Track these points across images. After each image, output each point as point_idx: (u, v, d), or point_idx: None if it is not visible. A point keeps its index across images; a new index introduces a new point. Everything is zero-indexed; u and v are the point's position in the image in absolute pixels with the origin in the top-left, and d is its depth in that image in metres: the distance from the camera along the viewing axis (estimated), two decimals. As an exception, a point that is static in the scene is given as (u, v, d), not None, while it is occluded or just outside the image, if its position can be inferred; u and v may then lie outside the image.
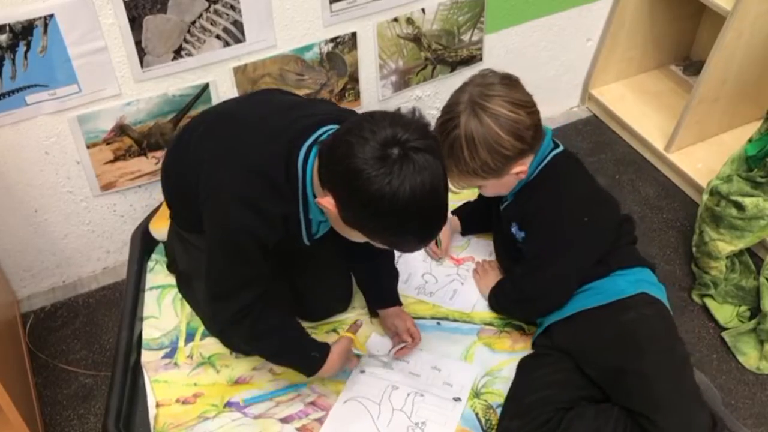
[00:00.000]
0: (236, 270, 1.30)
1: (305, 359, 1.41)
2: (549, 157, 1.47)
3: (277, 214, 1.26)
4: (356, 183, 1.10)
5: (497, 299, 1.60)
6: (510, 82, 1.39)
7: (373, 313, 1.62)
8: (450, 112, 1.38)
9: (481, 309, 1.63)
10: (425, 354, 1.55)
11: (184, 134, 1.47)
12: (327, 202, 1.18)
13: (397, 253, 1.72)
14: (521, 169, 1.41)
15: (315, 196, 1.25)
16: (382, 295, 1.59)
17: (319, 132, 1.26)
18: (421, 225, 1.17)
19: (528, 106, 1.38)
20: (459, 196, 1.79)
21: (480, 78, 1.40)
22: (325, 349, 1.43)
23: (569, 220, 1.45)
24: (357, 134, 1.12)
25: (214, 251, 1.31)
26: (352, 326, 1.55)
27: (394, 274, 1.60)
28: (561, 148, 1.50)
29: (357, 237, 1.24)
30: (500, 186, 1.46)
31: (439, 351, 1.55)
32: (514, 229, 1.53)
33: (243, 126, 1.34)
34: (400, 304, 1.58)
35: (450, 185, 1.44)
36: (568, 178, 1.49)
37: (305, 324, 1.55)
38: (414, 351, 1.55)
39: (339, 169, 1.14)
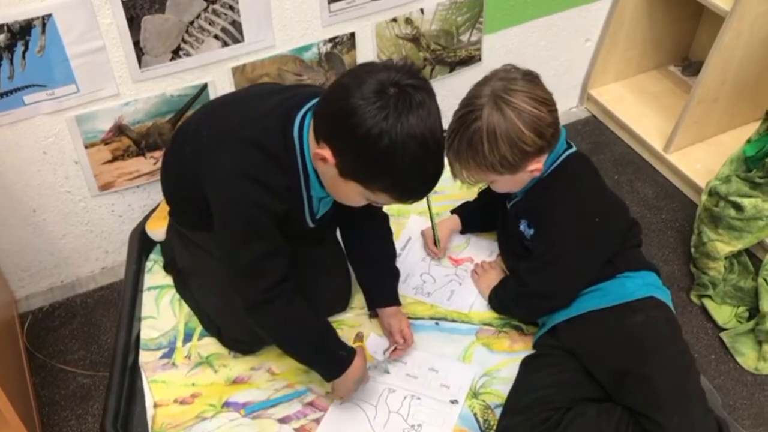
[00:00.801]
0: (253, 246, 1.27)
1: (332, 357, 1.37)
2: (563, 157, 1.47)
3: (280, 185, 1.25)
4: (353, 120, 1.09)
5: (499, 296, 1.60)
6: (532, 78, 1.39)
7: (373, 312, 1.61)
8: (471, 104, 1.37)
9: (479, 310, 1.63)
10: (423, 355, 1.55)
11: (181, 131, 1.47)
12: (325, 152, 1.17)
13: (398, 251, 1.72)
14: (537, 166, 1.40)
15: (314, 167, 1.25)
16: (382, 293, 1.58)
17: (313, 101, 1.25)
18: (420, 164, 1.15)
19: (549, 103, 1.38)
20: (459, 195, 1.79)
21: (503, 72, 1.40)
22: (352, 351, 1.39)
23: (580, 220, 1.45)
24: (353, 76, 1.13)
25: (228, 231, 1.29)
26: (357, 337, 1.54)
27: (395, 274, 1.60)
28: (574, 148, 1.50)
29: (355, 196, 1.22)
30: (513, 182, 1.46)
31: (437, 352, 1.55)
32: (522, 227, 1.52)
33: (236, 107, 1.35)
34: (398, 304, 1.58)
35: (462, 178, 1.45)
36: (581, 178, 1.49)
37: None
38: (411, 352, 1.55)
39: (336, 112, 1.14)
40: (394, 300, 1.58)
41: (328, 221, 1.47)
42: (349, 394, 1.43)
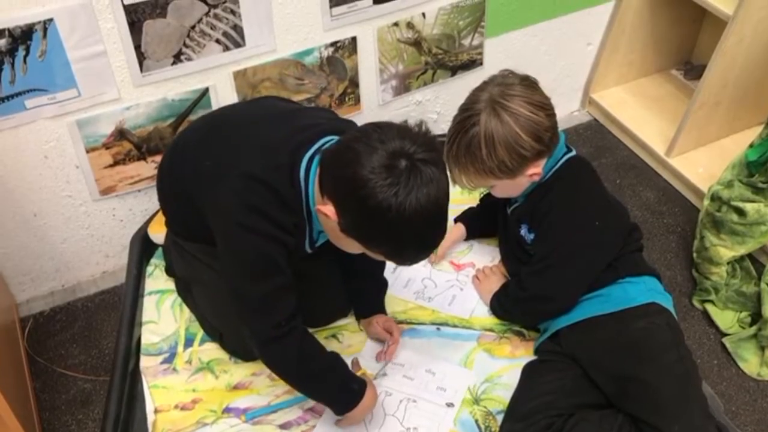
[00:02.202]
0: (265, 281, 1.25)
1: (345, 391, 1.36)
2: (562, 161, 1.47)
3: (287, 222, 1.24)
4: (362, 192, 1.10)
5: (500, 301, 1.60)
6: (530, 83, 1.40)
7: (359, 320, 1.62)
8: (469, 109, 1.38)
9: (480, 315, 1.63)
10: (420, 356, 1.55)
11: (180, 140, 1.46)
12: (328, 210, 1.17)
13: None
14: (536, 170, 1.41)
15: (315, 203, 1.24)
16: (370, 305, 1.59)
17: (321, 142, 1.25)
18: (423, 237, 1.17)
19: (547, 107, 1.38)
20: (461, 200, 1.79)
21: (500, 78, 1.41)
22: (363, 383, 1.38)
23: (580, 223, 1.45)
24: (365, 142, 1.12)
25: (237, 267, 1.26)
26: (356, 365, 1.52)
27: (383, 285, 1.61)
28: (574, 152, 1.50)
29: (354, 248, 1.23)
30: (512, 187, 1.46)
31: (438, 357, 1.55)
32: (523, 231, 1.52)
33: (241, 133, 1.33)
34: (384, 313, 1.59)
35: (461, 184, 1.46)
36: (581, 182, 1.49)
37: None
38: (409, 353, 1.54)
39: (344, 176, 1.13)
40: (379, 310, 1.59)
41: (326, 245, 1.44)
42: (359, 422, 1.42)
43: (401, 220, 1.10)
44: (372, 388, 1.40)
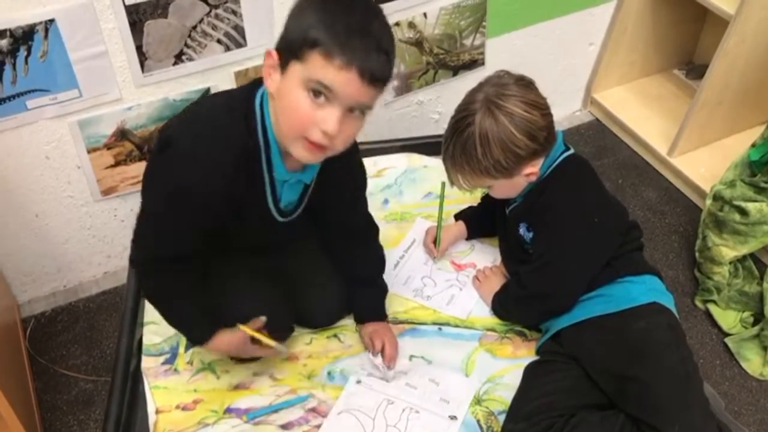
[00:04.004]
0: (160, 228, 1.28)
1: (189, 332, 1.44)
2: (559, 159, 1.47)
3: (221, 156, 1.20)
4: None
5: (501, 301, 1.59)
6: (525, 83, 1.40)
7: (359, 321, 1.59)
8: (465, 110, 1.39)
9: (478, 316, 1.62)
10: (424, 364, 1.53)
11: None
12: (272, 53, 1.13)
13: (397, 256, 1.72)
14: (532, 170, 1.41)
15: (276, 140, 1.21)
16: (368, 310, 1.57)
17: None
18: (328, 15, 1.07)
19: (542, 107, 1.39)
20: (462, 199, 1.78)
21: (496, 78, 1.41)
22: (209, 332, 1.39)
23: (579, 221, 1.45)
24: None
25: (145, 199, 1.30)
26: (253, 322, 1.45)
27: (383, 290, 1.58)
28: (571, 150, 1.50)
29: (299, 92, 1.11)
30: (510, 187, 1.47)
31: (440, 357, 1.54)
32: (522, 230, 1.52)
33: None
34: (383, 319, 1.56)
35: (458, 184, 1.46)
36: (579, 180, 1.49)
37: (307, 330, 1.56)
38: (413, 360, 1.53)
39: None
40: (378, 316, 1.56)
41: (299, 221, 1.41)
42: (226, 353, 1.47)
43: (314, 3, 1.08)
44: (232, 335, 1.40)
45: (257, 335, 1.40)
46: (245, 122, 1.21)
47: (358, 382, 1.50)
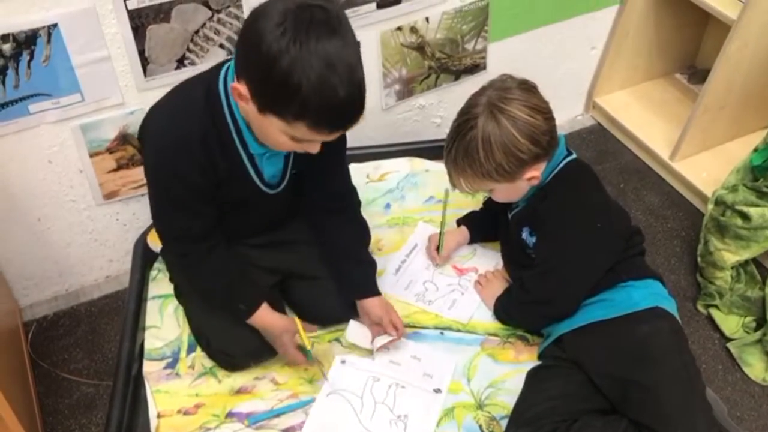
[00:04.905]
0: (169, 213, 1.35)
1: (234, 307, 1.45)
2: (562, 164, 1.47)
3: (191, 133, 1.24)
4: (256, 41, 1.08)
5: (503, 305, 1.59)
6: (528, 87, 1.41)
7: (354, 312, 1.58)
8: (467, 113, 1.39)
9: (479, 320, 1.62)
10: (403, 341, 1.55)
11: None
12: (240, 86, 1.14)
13: (399, 261, 1.72)
14: (534, 174, 1.41)
15: (244, 120, 1.25)
16: (360, 284, 1.54)
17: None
18: (329, 83, 1.08)
19: (545, 111, 1.39)
20: (465, 204, 1.79)
21: (499, 82, 1.42)
22: (255, 304, 1.44)
23: (581, 225, 1.45)
24: (266, 2, 1.11)
25: (150, 192, 1.35)
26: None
27: (371, 263, 1.58)
28: (574, 155, 1.50)
29: (279, 136, 1.18)
30: (512, 191, 1.47)
31: (441, 360, 1.54)
32: (524, 235, 1.52)
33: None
34: (379, 294, 1.55)
35: (461, 187, 1.46)
36: (582, 184, 1.49)
37: (308, 334, 1.55)
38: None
39: (243, 38, 1.13)
40: (373, 290, 1.54)
41: (288, 189, 1.45)
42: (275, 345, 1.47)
43: (296, 64, 1.05)
44: (281, 316, 1.47)
45: (302, 332, 1.45)
46: (209, 103, 1.25)
47: (343, 362, 1.53)
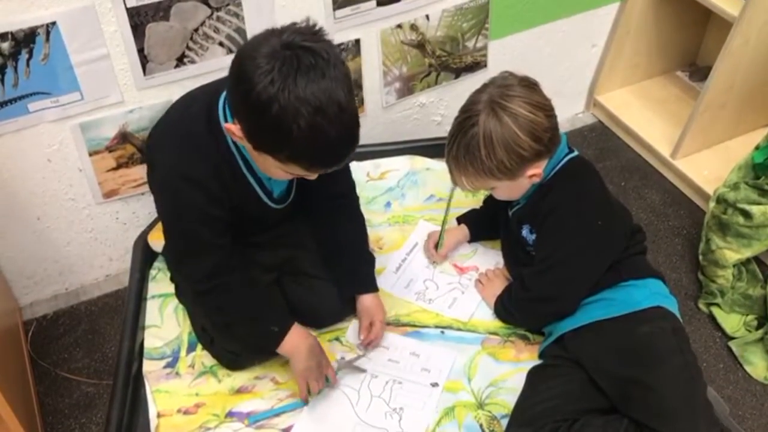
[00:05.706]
0: (182, 245, 1.34)
1: (264, 335, 1.42)
2: (563, 161, 1.47)
3: (203, 170, 1.25)
4: (244, 87, 1.07)
5: (503, 304, 1.59)
6: (529, 84, 1.40)
7: (353, 309, 1.58)
8: (468, 111, 1.39)
9: (480, 319, 1.62)
10: (404, 339, 1.56)
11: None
12: (233, 127, 1.15)
13: (400, 259, 1.72)
14: (536, 171, 1.40)
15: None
16: (356, 279, 1.55)
17: None
18: (321, 129, 1.08)
19: (546, 108, 1.38)
20: (465, 202, 1.78)
21: (500, 79, 1.41)
22: (286, 325, 1.42)
23: (583, 223, 1.44)
24: (253, 40, 1.11)
25: (163, 219, 1.35)
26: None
27: (369, 259, 1.58)
28: (575, 153, 1.50)
29: (276, 170, 1.20)
30: (513, 189, 1.46)
31: (439, 356, 1.54)
32: (525, 232, 1.52)
33: (172, 109, 1.38)
34: (375, 290, 1.55)
35: (462, 185, 1.45)
36: (583, 182, 1.49)
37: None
38: (394, 338, 1.55)
39: (232, 80, 1.12)
40: (369, 286, 1.55)
41: (294, 202, 1.47)
42: (306, 375, 1.42)
43: (286, 112, 1.05)
44: (302, 334, 1.43)
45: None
46: (213, 135, 1.25)
47: (342, 358, 1.53)
